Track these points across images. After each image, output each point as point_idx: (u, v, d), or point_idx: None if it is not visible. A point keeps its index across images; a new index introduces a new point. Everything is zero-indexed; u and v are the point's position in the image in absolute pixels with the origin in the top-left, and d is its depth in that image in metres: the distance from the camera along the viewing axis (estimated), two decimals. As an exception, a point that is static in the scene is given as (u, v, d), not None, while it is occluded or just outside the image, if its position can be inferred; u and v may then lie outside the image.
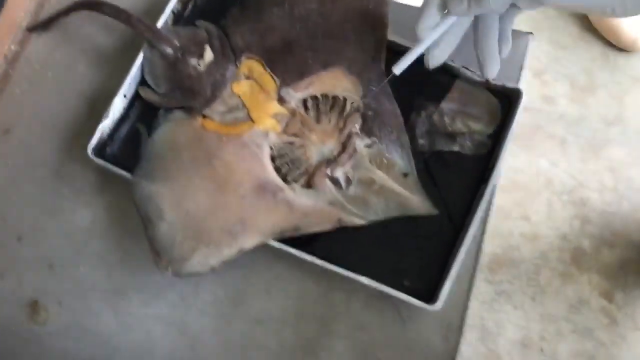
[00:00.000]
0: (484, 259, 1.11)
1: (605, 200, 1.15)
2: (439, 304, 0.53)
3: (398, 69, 0.55)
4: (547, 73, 1.22)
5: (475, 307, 1.09)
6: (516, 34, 0.64)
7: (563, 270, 1.11)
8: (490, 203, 0.59)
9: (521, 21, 1.15)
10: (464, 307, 0.58)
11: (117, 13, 0.61)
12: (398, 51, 0.61)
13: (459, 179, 0.59)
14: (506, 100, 0.60)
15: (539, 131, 1.21)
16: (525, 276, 1.11)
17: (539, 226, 1.14)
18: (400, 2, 0.64)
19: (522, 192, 1.17)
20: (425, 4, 0.52)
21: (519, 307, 1.09)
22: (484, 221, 0.59)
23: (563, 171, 1.18)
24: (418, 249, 0.57)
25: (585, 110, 1.23)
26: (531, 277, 1.10)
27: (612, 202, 1.15)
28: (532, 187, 1.17)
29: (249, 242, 0.55)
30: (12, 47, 0.67)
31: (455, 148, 0.59)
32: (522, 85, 0.60)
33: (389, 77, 0.56)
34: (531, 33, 0.64)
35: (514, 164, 1.18)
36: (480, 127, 0.59)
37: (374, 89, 0.58)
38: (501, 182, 1.15)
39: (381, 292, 0.54)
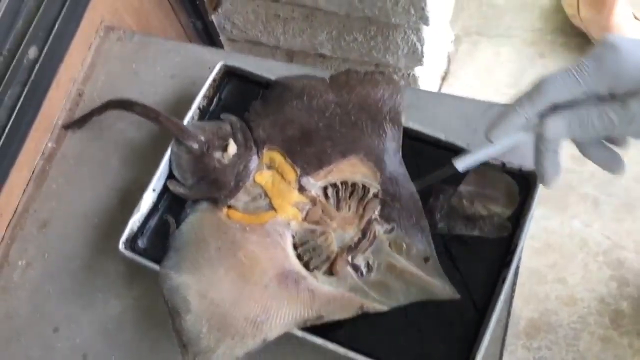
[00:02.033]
0: (521, 324, 1.10)
1: (642, 261, 1.12)
2: (464, 393, 0.53)
3: (461, 164, 0.53)
4: (575, 133, 1.22)
5: (514, 375, 1.07)
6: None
7: (603, 334, 1.08)
8: (514, 285, 0.59)
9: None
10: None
11: (147, 111, 0.65)
12: (413, 137, 0.63)
13: (480, 262, 0.59)
14: (524, 182, 0.60)
15: (570, 191, 1.20)
16: (564, 341, 1.08)
17: (575, 289, 1.13)
18: (417, 88, 0.66)
19: (556, 254, 1.16)
20: (505, 116, 0.48)
21: (559, 374, 1.07)
22: (509, 303, 0.59)
23: (597, 232, 1.16)
24: (441, 334, 0.57)
25: (617, 169, 1.21)
26: (570, 342, 1.08)
27: (649, 262, 1.13)
28: (567, 249, 1.16)
29: (273, 332, 0.56)
30: (49, 144, 0.71)
31: (475, 233, 0.59)
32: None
33: (446, 167, 0.55)
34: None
35: (547, 225, 1.17)
36: (499, 209, 0.60)
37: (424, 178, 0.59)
38: (535, 244, 1.15)
39: (406, 380, 0.54)
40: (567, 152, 1.23)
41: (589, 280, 1.11)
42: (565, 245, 1.16)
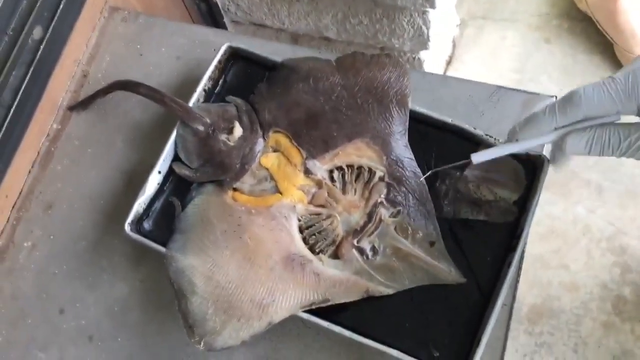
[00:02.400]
0: (523, 309, 1.10)
1: (645, 247, 1.12)
2: (469, 376, 0.53)
3: (477, 157, 0.53)
4: (580, 118, 1.22)
5: (515, 360, 1.08)
6: (541, 97, 0.65)
7: (605, 320, 1.08)
8: (519, 269, 0.59)
9: (552, 67, 1.15)
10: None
11: (152, 93, 0.65)
12: (420, 120, 0.62)
13: (486, 247, 0.59)
14: (531, 166, 0.60)
15: (574, 178, 1.20)
16: (566, 327, 1.09)
17: (578, 275, 1.13)
18: (424, 71, 0.66)
19: (559, 240, 1.16)
20: (535, 121, 0.49)
21: (561, 359, 1.07)
22: (514, 287, 0.59)
23: (601, 218, 1.16)
24: (447, 317, 0.57)
25: (621, 155, 1.21)
26: (572, 327, 1.08)
27: (652, 249, 1.13)
28: (570, 235, 1.16)
29: (279, 314, 0.56)
30: (54, 125, 0.71)
31: (481, 217, 0.59)
32: (547, 151, 0.61)
33: (466, 162, 0.55)
34: (555, 96, 0.65)
35: (551, 211, 1.17)
36: (505, 193, 0.60)
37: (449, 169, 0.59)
38: (538, 230, 1.14)
39: (412, 363, 0.54)
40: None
41: (592, 266, 1.11)
42: (568, 232, 1.16)
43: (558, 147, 0.49)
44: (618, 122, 0.46)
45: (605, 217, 1.14)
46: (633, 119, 0.46)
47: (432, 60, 1.12)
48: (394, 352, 0.54)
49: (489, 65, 1.35)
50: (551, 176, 0.58)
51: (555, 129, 0.48)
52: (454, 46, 1.36)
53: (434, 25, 0.97)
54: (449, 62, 1.35)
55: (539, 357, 1.07)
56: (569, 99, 0.46)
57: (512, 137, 0.51)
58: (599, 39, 1.31)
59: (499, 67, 1.35)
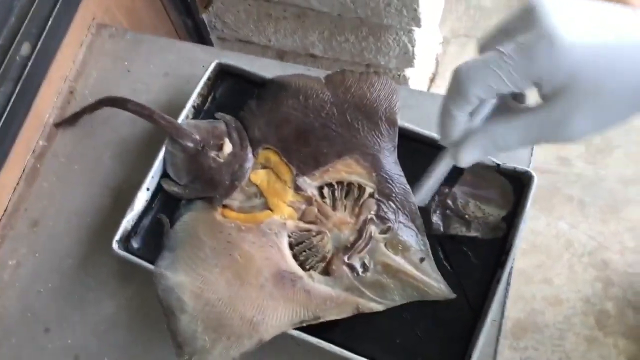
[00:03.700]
0: (508, 324, 1.11)
1: (627, 262, 1.14)
2: (460, 392, 0.53)
3: (418, 198, 0.54)
4: (561, 135, 1.24)
5: (501, 375, 1.08)
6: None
7: (588, 334, 1.10)
8: (508, 284, 0.59)
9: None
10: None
11: (140, 109, 0.64)
12: (409, 136, 0.63)
13: (475, 263, 0.60)
14: (518, 182, 0.61)
15: (556, 193, 1.22)
16: (549, 342, 1.10)
17: (561, 289, 1.14)
18: (411, 88, 0.67)
19: (542, 255, 1.17)
20: (444, 122, 0.44)
21: (545, 374, 1.08)
22: (503, 303, 0.59)
23: (583, 233, 1.18)
24: (437, 333, 0.58)
25: (602, 171, 1.23)
26: (556, 342, 1.09)
27: (634, 263, 1.14)
28: (553, 250, 1.17)
29: (269, 332, 0.55)
30: (40, 142, 0.70)
31: (470, 233, 0.60)
32: (534, 162, 0.62)
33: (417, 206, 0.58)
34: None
35: (534, 226, 1.18)
36: (493, 209, 0.60)
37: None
38: (522, 245, 1.15)
39: (402, 380, 0.54)
40: (552, 154, 1.25)
41: (575, 280, 1.12)
42: (551, 246, 1.17)
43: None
44: (509, 113, 0.40)
45: (587, 232, 1.16)
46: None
47: (416, 77, 1.13)
48: (385, 369, 0.54)
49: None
50: (534, 192, 0.59)
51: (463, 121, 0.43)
52: (437, 64, 1.38)
53: (419, 43, 0.99)
54: (432, 80, 1.37)
55: (524, 372, 1.07)
56: (456, 86, 0.40)
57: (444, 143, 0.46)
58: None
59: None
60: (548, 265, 1.15)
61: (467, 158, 0.43)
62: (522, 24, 0.38)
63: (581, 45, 0.36)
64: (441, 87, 1.35)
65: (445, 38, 1.40)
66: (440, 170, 0.52)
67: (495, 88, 0.38)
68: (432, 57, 1.31)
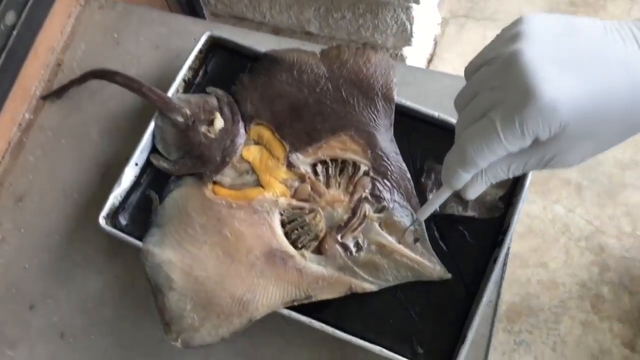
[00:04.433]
0: (502, 307, 1.10)
1: (623, 246, 1.13)
2: (453, 374, 0.52)
3: (422, 214, 0.52)
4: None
5: (494, 358, 1.07)
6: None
7: (583, 318, 1.09)
8: (504, 265, 0.58)
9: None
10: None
11: (129, 82, 0.62)
12: (406, 113, 0.61)
13: (471, 242, 0.58)
14: (516, 162, 0.59)
15: (553, 176, 1.20)
16: (544, 325, 1.09)
17: (557, 273, 1.13)
18: (408, 64, 0.65)
19: (538, 238, 1.16)
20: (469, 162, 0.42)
21: (539, 357, 1.07)
22: (499, 284, 0.58)
23: (580, 217, 1.17)
24: (431, 314, 0.56)
25: (600, 155, 1.21)
26: (551, 326, 1.08)
27: (630, 248, 1.13)
28: (549, 234, 1.16)
29: (259, 311, 0.54)
30: (26, 115, 0.68)
31: (467, 213, 0.58)
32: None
33: (413, 222, 0.56)
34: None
35: (530, 210, 1.17)
36: (491, 189, 0.59)
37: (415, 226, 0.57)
38: (517, 228, 1.14)
39: (394, 360, 0.53)
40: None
41: (571, 265, 1.11)
42: (547, 230, 1.16)
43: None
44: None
45: (584, 216, 1.15)
46: None
47: (414, 57, 1.11)
48: (377, 349, 0.53)
49: (469, 64, 1.35)
50: (530, 175, 0.57)
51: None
52: (436, 44, 1.36)
53: (417, 22, 0.97)
54: (430, 60, 1.35)
55: (518, 355, 1.07)
56: (463, 156, 0.41)
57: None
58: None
59: (480, 66, 1.34)
60: (544, 249, 1.14)
61: (474, 195, 0.45)
62: (504, 74, 0.38)
63: (567, 100, 0.36)
64: (438, 68, 1.33)
65: (443, 19, 1.38)
66: (443, 197, 0.50)
67: (500, 153, 0.40)
68: (430, 37, 1.29)
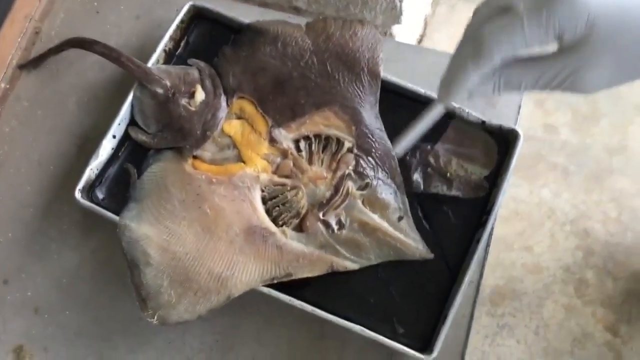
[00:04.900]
0: (486, 290, 1.10)
1: (608, 231, 1.13)
2: (434, 354, 0.51)
3: (399, 148, 0.52)
4: (549, 101, 1.21)
5: (477, 341, 1.08)
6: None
7: (566, 302, 1.09)
8: (488, 246, 0.57)
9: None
10: (462, 352, 0.56)
11: (108, 51, 0.60)
12: (391, 90, 0.60)
13: (455, 222, 0.57)
14: (503, 141, 0.58)
15: (540, 161, 1.20)
16: (527, 309, 1.09)
17: (541, 257, 1.13)
18: (395, 40, 0.64)
19: (524, 222, 1.16)
20: (455, 81, 0.41)
21: (522, 341, 1.07)
22: (482, 265, 0.57)
23: (566, 201, 1.16)
24: (413, 294, 0.55)
25: (588, 140, 1.21)
26: (534, 310, 1.08)
27: (615, 233, 1.13)
28: (534, 218, 1.16)
29: (238, 288, 0.53)
30: (2, 84, 0.66)
31: (452, 192, 0.57)
32: (520, 125, 0.59)
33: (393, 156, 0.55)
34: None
35: (516, 193, 1.17)
36: (476, 168, 0.58)
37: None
38: (502, 212, 1.14)
39: (375, 340, 0.52)
40: (538, 121, 1.22)
41: (555, 249, 1.11)
42: (533, 214, 1.15)
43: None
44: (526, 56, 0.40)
45: (570, 201, 1.14)
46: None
47: (403, 37, 1.09)
48: (357, 328, 0.52)
49: (459, 45, 1.33)
50: (517, 159, 0.56)
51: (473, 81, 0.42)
52: (426, 24, 1.34)
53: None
54: (419, 41, 1.33)
55: (500, 338, 1.07)
56: (478, 46, 0.39)
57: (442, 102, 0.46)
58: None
59: (470, 47, 1.33)
60: (529, 233, 1.14)
61: (479, 93, 0.42)
62: None
63: None
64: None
65: (434, -2, 1.36)
66: (425, 122, 0.49)
67: (519, 46, 0.38)
68: (420, 17, 1.27)
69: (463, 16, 1.36)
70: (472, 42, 0.40)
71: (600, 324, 1.05)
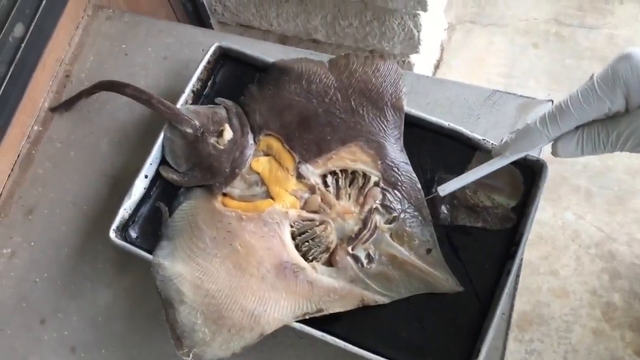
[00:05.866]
0: (513, 316, 1.09)
1: (634, 253, 1.12)
2: (468, 388, 0.51)
3: (445, 189, 0.53)
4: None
5: (505, 368, 1.07)
6: (537, 102, 0.64)
7: (594, 326, 1.08)
8: (517, 276, 0.57)
9: (541, 74, 1.14)
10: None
11: (139, 94, 0.62)
12: (415, 123, 0.61)
13: (483, 254, 0.58)
14: (528, 171, 0.59)
15: (563, 183, 1.19)
16: (555, 334, 1.08)
17: (567, 281, 1.12)
18: (417, 73, 0.65)
19: (548, 246, 1.15)
20: (530, 133, 0.48)
21: (551, 367, 1.06)
22: (512, 296, 0.57)
23: (590, 224, 1.16)
24: (444, 327, 0.56)
25: (610, 161, 1.21)
26: (562, 335, 1.07)
27: (641, 255, 1.12)
28: (559, 241, 1.15)
29: (271, 325, 0.54)
30: (35, 127, 0.68)
31: (479, 224, 0.58)
32: (542, 151, 0.59)
33: (433, 194, 0.56)
34: (551, 100, 0.64)
35: (539, 217, 1.16)
36: (502, 199, 0.58)
37: (413, 204, 0.58)
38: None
39: (407, 375, 0.52)
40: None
41: (581, 272, 1.10)
42: (557, 238, 1.15)
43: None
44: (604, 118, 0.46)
45: (594, 223, 1.14)
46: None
47: (420, 64, 1.11)
48: (389, 364, 0.52)
49: (476, 70, 1.34)
50: (546, 181, 0.57)
51: (548, 140, 0.48)
52: (442, 50, 1.35)
53: (424, 29, 0.96)
54: (437, 67, 1.35)
55: (529, 365, 1.06)
56: (559, 110, 0.46)
57: (503, 151, 0.51)
58: (587, 44, 1.31)
59: (487, 72, 1.34)
60: (554, 257, 1.13)
61: (563, 151, 0.47)
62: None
63: None
64: (446, 75, 1.32)
65: (450, 24, 1.38)
66: (479, 173, 0.52)
67: (591, 102, 0.44)
68: (437, 43, 1.29)
69: (478, 41, 1.37)
70: (554, 107, 0.46)
71: (629, 348, 1.04)
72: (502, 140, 0.50)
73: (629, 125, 0.43)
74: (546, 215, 1.15)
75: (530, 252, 1.13)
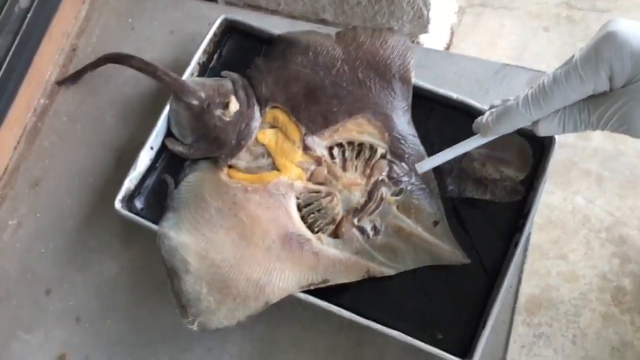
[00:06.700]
0: (522, 299, 1.08)
1: (645, 237, 1.11)
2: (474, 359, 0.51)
3: (422, 167, 0.51)
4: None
5: (514, 351, 1.06)
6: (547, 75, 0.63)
7: (604, 311, 1.07)
8: (525, 250, 0.57)
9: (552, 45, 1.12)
10: (503, 358, 0.56)
11: (144, 66, 0.62)
12: (423, 95, 0.60)
13: (491, 227, 0.57)
14: (538, 145, 0.58)
15: (573, 167, 1.18)
16: (564, 318, 1.07)
17: (577, 265, 1.11)
18: (425, 46, 0.64)
19: (558, 230, 1.14)
20: (511, 114, 0.45)
21: (559, 350, 1.05)
22: (520, 269, 0.57)
23: (600, 208, 1.14)
24: (451, 299, 0.55)
25: (621, 145, 1.19)
26: (571, 318, 1.06)
27: (652, 239, 1.11)
28: (569, 225, 1.14)
29: (276, 294, 0.53)
30: (41, 100, 0.68)
31: (487, 196, 0.57)
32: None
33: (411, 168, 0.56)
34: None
35: (550, 201, 1.15)
36: (511, 172, 0.58)
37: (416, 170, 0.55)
38: (537, 220, 1.11)
39: (414, 346, 0.52)
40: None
41: (591, 256, 1.09)
42: (567, 222, 1.14)
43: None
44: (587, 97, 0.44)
45: (605, 207, 1.12)
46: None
47: (430, 45, 1.09)
48: (396, 334, 0.52)
49: (486, 53, 1.33)
50: (550, 166, 0.56)
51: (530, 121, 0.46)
52: (452, 33, 1.34)
53: (434, 8, 0.95)
54: (447, 49, 1.33)
55: (538, 348, 1.05)
56: (542, 93, 0.44)
57: (483, 132, 0.48)
58: (598, 28, 1.29)
59: (497, 55, 1.32)
60: (564, 241, 1.12)
61: (545, 130, 0.45)
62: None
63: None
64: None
65: (460, 7, 1.36)
66: (458, 150, 0.50)
67: (574, 85, 0.42)
68: (447, 26, 1.27)
69: (489, 25, 1.35)
70: (536, 87, 0.44)
71: (639, 332, 1.03)
72: (482, 119, 0.48)
73: (611, 105, 0.42)
74: (556, 199, 1.14)
75: (540, 236, 1.12)
